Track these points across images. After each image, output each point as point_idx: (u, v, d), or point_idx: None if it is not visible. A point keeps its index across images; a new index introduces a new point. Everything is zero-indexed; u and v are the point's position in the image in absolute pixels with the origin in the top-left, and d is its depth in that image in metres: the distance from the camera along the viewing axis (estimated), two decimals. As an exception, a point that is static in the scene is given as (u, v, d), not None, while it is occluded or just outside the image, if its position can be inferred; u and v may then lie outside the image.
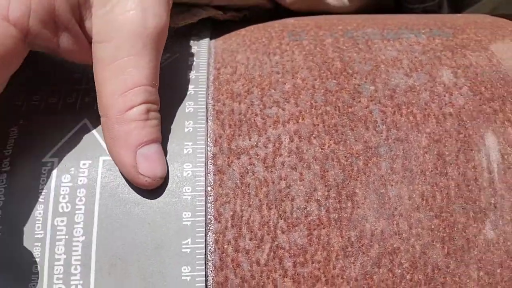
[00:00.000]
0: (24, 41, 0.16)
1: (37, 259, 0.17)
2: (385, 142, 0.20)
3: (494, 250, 0.18)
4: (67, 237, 0.18)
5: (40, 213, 0.18)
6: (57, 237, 0.18)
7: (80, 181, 0.18)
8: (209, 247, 0.18)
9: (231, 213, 0.19)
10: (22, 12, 0.15)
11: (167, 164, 0.19)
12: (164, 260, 0.18)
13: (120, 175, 0.19)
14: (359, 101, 0.21)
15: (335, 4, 0.29)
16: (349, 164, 0.19)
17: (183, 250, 0.18)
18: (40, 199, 0.18)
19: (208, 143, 0.20)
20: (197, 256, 0.18)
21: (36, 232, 0.18)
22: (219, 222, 0.18)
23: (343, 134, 0.20)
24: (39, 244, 0.17)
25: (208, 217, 0.19)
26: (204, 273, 0.18)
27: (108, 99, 0.17)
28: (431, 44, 0.24)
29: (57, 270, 0.17)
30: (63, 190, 0.18)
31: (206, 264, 0.18)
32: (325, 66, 0.22)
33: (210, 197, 0.19)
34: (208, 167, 0.19)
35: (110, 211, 0.18)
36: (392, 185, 0.19)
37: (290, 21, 0.26)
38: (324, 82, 0.22)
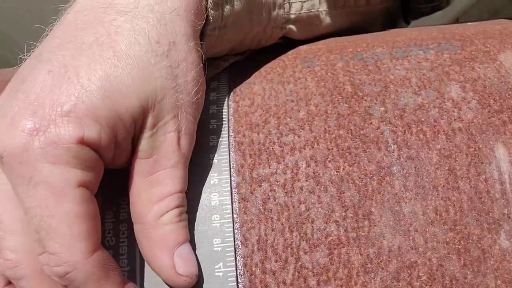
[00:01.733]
0: (100, 158, 0.18)
1: None
2: (397, 161, 0.21)
3: (510, 259, 0.19)
4: None
5: None
6: None
7: (122, 216, 0.21)
8: (239, 270, 0.20)
9: (257, 237, 0.20)
10: (96, 139, 0.17)
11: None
12: (200, 283, 0.19)
13: None
14: (370, 123, 0.22)
15: (347, 26, 0.30)
16: (364, 185, 0.21)
17: (216, 274, 0.20)
18: None
19: (232, 173, 0.22)
20: (229, 279, 0.20)
21: None
22: (246, 246, 0.20)
23: (356, 156, 0.21)
24: None
25: (236, 242, 0.20)
26: None
27: (143, 207, 0.19)
28: (439, 60, 0.24)
29: None
30: (107, 226, 0.21)
31: (237, 286, 0.20)
32: (336, 90, 0.24)
33: (236, 224, 0.21)
34: (233, 195, 0.21)
35: None
36: (406, 202, 0.20)
37: (303, 47, 0.28)
38: (336, 106, 0.23)
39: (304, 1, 0.27)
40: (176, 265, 0.19)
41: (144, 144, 0.19)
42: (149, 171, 0.19)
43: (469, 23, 0.29)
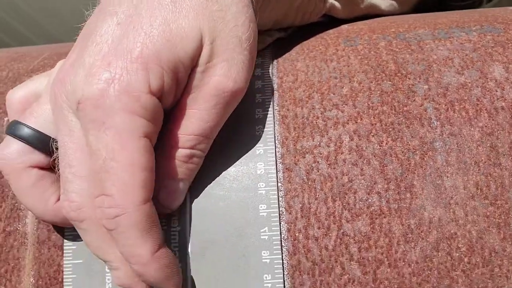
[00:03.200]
0: (161, 105, 0.19)
1: None
2: (440, 137, 0.22)
3: (550, 234, 0.20)
4: (165, 227, 0.21)
5: None
6: None
7: None
8: (283, 235, 0.21)
9: (300, 205, 0.21)
10: (160, 86, 0.18)
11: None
12: (247, 245, 0.21)
13: (206, 176, 0.22)
14: (414, 100, 0.23)
15: (388, 10, 0.31)
16: (407, 159, 0.21)
17: (262, 237, 0.21)
18: None
19: (277, 144, 0.23)
20: (274, 242, 0.21)
21: None
22: (290, 213, 0.21)
23: (399, 132, 0.22)
24: None
25: (281, 209, 0.21)
26: (280, 256, 0.20)
27: (170, 135, 0.20)
28: (482, 41, 0.25)
29: None
30: None
31: (281, 249, 0.21)
32: (379, 68, 0.24)
33: (281, 192, 0.22)
34: (278, 165, 0.22)
35: (200, 204, 0.21)
36: (447, 176, 0.21)
37: (345, 27, 0.28)
38: (380, 83, 0.24)
39: None
40: (159, 195, 0.20)
41: (192, 79, 0.20)
42: (187, 106, 0.20)
43: (510, 8, 0.29)
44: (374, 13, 0.30)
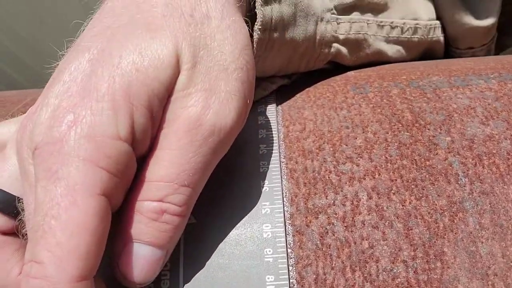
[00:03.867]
0: (133, 152, 0.16)
1: None
2: (470, 196, 0.19)
3: None
4: None
5: None
6: None
7: None
8: (294, 313, 0.18)
9: (314, 276, 0.18)
10: (130, 127, 0.15)
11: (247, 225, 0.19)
12: None
13: (203, 240, 0.19)
14: (437, 153, 0.20)
15: (396, 56, 0.29)
16: (434, 221, 0.19)
17: None
18: None
19: (285, 202, 0.20)
20: None
21: None
22: (302, 286, 0.18)
23: (424, 189, 0.19)
24: None
25: (291, 280, 0.18)
26: None
27: (136, 183, 0.17)
28: (503, 89, 0.23)
29: None
30: None
31: None
32: (395, 118, 0.22)
33: (291, 260, 0.18)
34: (287, 227, 0.19)
35: (195, 276, 0.18)
36: (482, 242, 0.18)
37: (351, 73, 0.27)
38: (397, 134, 0.21)
39: (353, 22, 0.26)
40: (119, 261, 0.16)
41: (168, 112, 0.17)
42: (157, 145, 0.17)
43: (525, 55, 0.28)
44: (381, 60, 0.29)
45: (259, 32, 0.20)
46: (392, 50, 0.29)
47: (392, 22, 0.29)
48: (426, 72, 0.25)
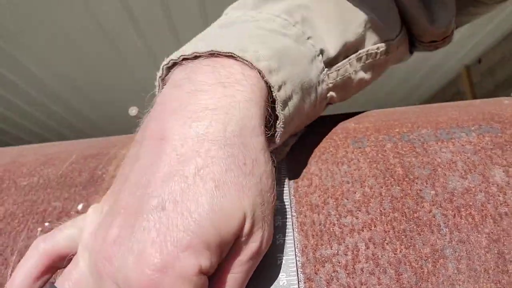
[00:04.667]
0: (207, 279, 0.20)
1: None
2: (449, 244, 0.23)
3: None
4: None
5: None
6: None
7: None
8: None
9: (323, 315, 0.22)
10: (209, 265, 0.19)
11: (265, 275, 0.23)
12: None
13: None
14: (423, 206, 0.24)
15: (373, 78, 0.33)
16: (420, 267, 0.23)
17: None
18: None
19: (297, 253, 0.24)
20: None
21: None
22: (314, 323, 0.22)
23: (412, 239, 0.23)
24: None
25: None
26: None
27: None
28: (481, 143, 0.27)
29: None
30: None
31: None
32: (388, 172, 0.26)
33: (304, 302, 0.23)
34: (299, 275, 0.23)
35: None
36: (459, 285, 0.22)
37: (351, 125, 0.31)
38: (390, 189, 0.25)
39: (338, 69, 0.30)
40: None
41: (234, 246, 0.21)
42: (223, 270, 0.21)
43: (506, 101, 0.31)
44: (362, 87, 0.33)
45: (281, 130, 0.24)
46: (368, 76, 0.33)
47: (367, 51, 0.32)
48: (416, 124, 0.29)
